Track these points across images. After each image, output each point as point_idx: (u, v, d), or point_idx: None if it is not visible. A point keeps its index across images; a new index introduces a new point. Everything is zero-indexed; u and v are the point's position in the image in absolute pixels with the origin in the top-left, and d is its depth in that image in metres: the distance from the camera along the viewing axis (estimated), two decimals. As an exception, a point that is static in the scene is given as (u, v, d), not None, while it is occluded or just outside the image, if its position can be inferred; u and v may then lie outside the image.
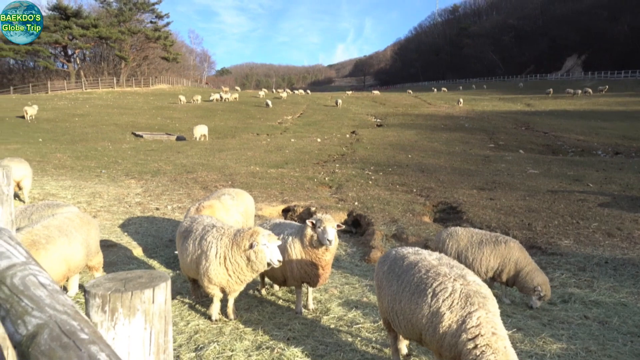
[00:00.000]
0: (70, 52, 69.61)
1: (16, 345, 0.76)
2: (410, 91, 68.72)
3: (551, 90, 53.02)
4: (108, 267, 5.91)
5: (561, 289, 6.23)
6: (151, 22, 74.98)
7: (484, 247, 5.68)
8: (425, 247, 7.41)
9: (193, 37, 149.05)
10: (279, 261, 4.28)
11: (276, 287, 5.69)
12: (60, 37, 64.74)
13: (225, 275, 4.48)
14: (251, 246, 4.30)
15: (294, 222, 5.50)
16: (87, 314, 0.83)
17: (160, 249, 7.11)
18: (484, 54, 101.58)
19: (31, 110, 29.34)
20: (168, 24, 76.37)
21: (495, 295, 5.82)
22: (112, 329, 0.81)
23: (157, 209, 9.45)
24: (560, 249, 7.72)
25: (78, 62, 70.95)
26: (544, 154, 20.51)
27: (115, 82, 63.92)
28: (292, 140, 22.97)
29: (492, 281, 5.82)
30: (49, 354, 0.65)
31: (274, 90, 66.42)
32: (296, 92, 68.09)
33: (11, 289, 0.88)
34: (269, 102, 42.50)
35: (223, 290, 4.64)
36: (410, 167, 15.43)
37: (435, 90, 68.60)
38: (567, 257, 7.36)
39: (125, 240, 7.32)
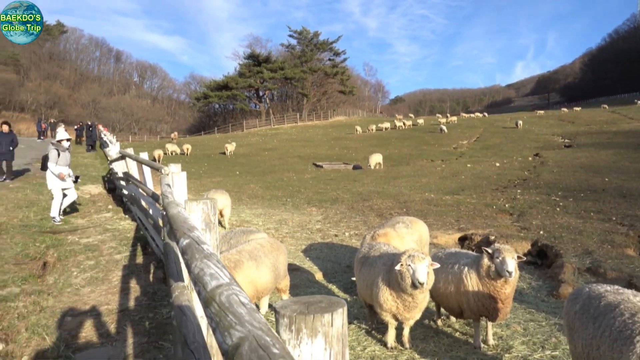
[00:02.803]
0: (261, 94, 78.51)
1: (223, 353, 0.92)
2: (605, 106, 60.97)
3: None
4: (292, 289, 6.40)
5: None
6: (329, 59, 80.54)
7: None
8: (630, 284, 6.44)
9: (368, 69, 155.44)
10: (420, 283, 4.15)
11: (452, 318, 5.50)
12: (254, 82, 73.58)
13: (393, 301, 4.50)
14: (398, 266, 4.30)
15: (470, 252, 5.29)
16: (277, 332, 0.96)
17: (339, 274, 7.45)
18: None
19: (230, 147, 33.64)
20: (345, 60, 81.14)
21: None
22: (297, 347, 0.92)
23: (336, 235, 9.95)
24: None
25: (268, 101, 79.54)
26: None
27: (298, 117, 69.76)
28: (468, 165, 22.16)
29: None
30: (249, 363, 0.78)
31: (448, 115, 65.11)
32: (472, 115, 65.73)
33: (219, 306, 1.06)
34: (444, 128, 41.83)
35: (397, 318, 4.66)
36: (607, 191, 13.61)
37: (639, 102, 59.68)
38: None
39: (308, 264, 7.85)
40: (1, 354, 4.49)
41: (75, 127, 38.95)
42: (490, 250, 4.47)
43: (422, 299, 4.54)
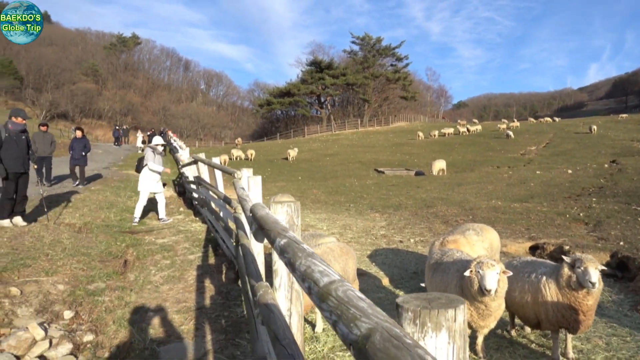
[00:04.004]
0: (322, 100, 79.23)
1: (351, 343, 0.98)
2: (692, 109, 56.42)
3: None
4: (360, 293, 6.43)
5: None
6: (392, 65, 79.97)
7: None
8: None
9: (430, 74, 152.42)
10: (487, 290, 4.06)
11: (527, 329, 5.32)
12: (315, 88, 74.43)
13: (467, 309, 4.42)
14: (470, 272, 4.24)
15: (548, 261, 5.11)
16: (400, 325, 1.01)
17: (406, 281, 7.40)
18: None
19: (292, 153, 34.22)
20: (407, 65, 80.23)
21: None
22: (422, 340, 0.97)
23: (401, 241, 9.88)
24: None
25: (329, 107, 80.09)
26: None
27: (359, 123, 69.77)
28: (538, 172, 21.29)
29: None
30: (384, 351, 0.84)
31: (515, 120, 62.73)
32: (541, 120, 63.08)
33: (338, 300, 1.12)
34: (510, 133, 40.43)
35: (470, 326, 4.58)
36: (696, 201, 12.64)
37: None
38: None
39: (374, 270, 7.86)
40: (92, 344, 4.84)
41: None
42: (569, 260, 4.30)
43: (496, 307, 4.43)
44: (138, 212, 10.68)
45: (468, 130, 49.57)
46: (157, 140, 11.53)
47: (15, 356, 4.46)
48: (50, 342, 4.78)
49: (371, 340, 0.89)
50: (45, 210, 9.41)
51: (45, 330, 4.90)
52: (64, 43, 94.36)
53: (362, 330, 0.94)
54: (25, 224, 8.50)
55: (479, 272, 4.16)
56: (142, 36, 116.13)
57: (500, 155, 31.56)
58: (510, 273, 4.33)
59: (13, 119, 8.54)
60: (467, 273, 4.25)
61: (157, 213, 11.32)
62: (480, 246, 6.73)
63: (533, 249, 9.58)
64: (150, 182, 10.80)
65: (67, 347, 4.76)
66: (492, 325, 4.54)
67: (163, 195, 11.24)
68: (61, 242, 7.67)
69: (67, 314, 5.43)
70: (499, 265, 4.21)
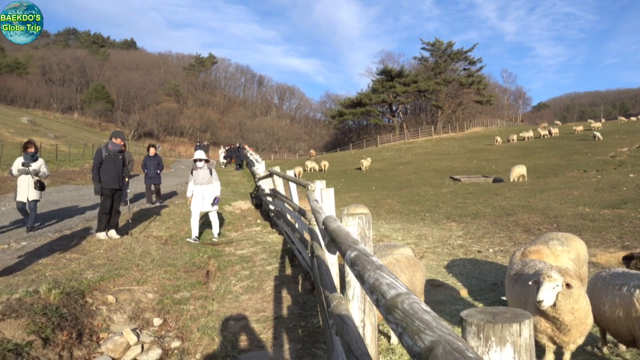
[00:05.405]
0: (394, 108, 78.75)
1: (415, 355, 1.02)
2: None
3: None
4: (436, 305, 6.32)
5: None
6: (464, 69, 77.90)
7: None
8: None
9: (506, 76, 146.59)
10: (538, 302, 3.94)
11: (622, 347, 4.96)
12: (387, 97, 74.23)
13: (547, 322, 4.21)
14: None
15: (641, 273, 4.75)
16: (464, 338, 1.03)
17: (485, 292, 7.16)
18: None
19: (366, 163, 34.22)
20: (481, 68, 77.78)
21: None
22: (486, 354, 0.98)
23: (479, 251, 9.57)
24: None
25: (401, 115, 79.47)
26: None
27: (432, 130, 68.47)
28: (631, 175, 19.74)
29: None
30: (446, 363, 0.87)
31: (602, 120, 58.69)
32: (632, 118, 58.51)
33: (404, 312, 1.16)
34: (598, 135, 37.88)
35: (555, 341, 4.35)
36: None
37: None
38: None
39: (451, 280, 7.67)
40: (179, 350, 5.14)
41: (227, 147, 42.74)
42: (666, 272, 3.98)
43: (574, 322, 4.13)
44: (215, 229, 10.89)
45: (550, 132, 47.01)
46: (197, 154, 10.54)
47: (112, 359, 4.84)
48: (142, 347, 5.14)
49: (434, 353, 0.92)
50: (129, 221, 10.12)
51: (138, 335, 5.27)
52: (148, 67, 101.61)
53: (426, 343, 0.97)
54: (118, 236, 9.21)
55: (538, 282, 4.05)
56: (218, 55, 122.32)
57: (587, 158, 29.64)
58: (574, 286, 4.04)
59: (113, 140, 9.37)
60: (530, 282, 4.16)
61: (229, 224, 11.55)
62: (566, 257, 6.36)
63: (627, 259, 8.89)
64: (196, 200, 10.27)
65: (157, 352, 5.09)
66: (579, 341, 4.28)
67: (215, 214, 10.74)
68: (150, 254, 8.21)
69: (157, 321, 5.82)
70: (562, 278, 3.99)
